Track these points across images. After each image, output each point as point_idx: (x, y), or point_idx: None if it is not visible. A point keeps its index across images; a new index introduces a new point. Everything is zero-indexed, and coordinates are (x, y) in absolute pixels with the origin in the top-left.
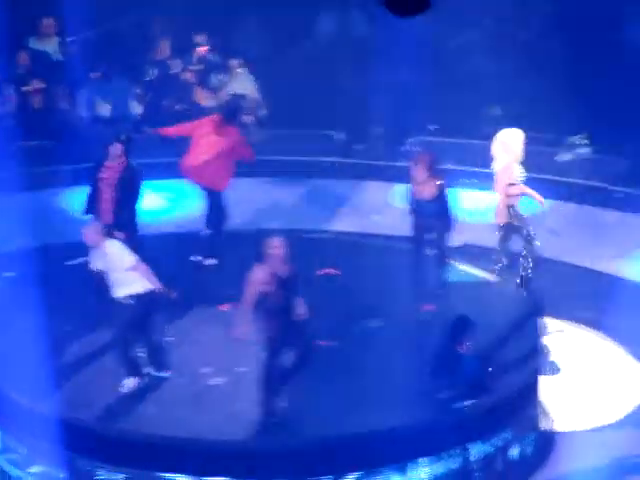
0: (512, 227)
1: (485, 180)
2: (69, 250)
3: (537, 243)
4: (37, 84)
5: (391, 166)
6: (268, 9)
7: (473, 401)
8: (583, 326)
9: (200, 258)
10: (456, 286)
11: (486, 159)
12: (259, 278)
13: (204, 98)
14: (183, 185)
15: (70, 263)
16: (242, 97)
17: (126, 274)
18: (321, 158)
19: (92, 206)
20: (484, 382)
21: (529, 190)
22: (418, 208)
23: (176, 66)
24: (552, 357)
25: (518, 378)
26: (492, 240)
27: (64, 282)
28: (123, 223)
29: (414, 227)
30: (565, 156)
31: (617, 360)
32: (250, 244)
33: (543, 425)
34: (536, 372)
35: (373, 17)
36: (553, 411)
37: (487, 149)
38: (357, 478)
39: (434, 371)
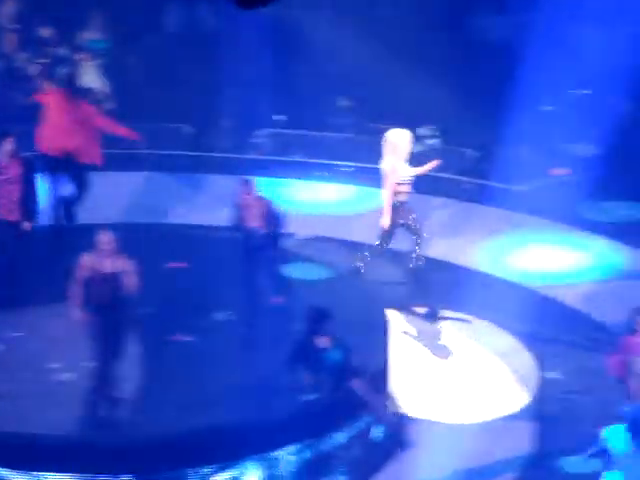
0: (399, 225)
1: (334, 173)
2: None
3: (425, 235)
4: None
5: (240, 159)
6: (116, 2)
7: (327, 392)
8: (434, 316)
9: None
10: (305, 278)
11: (335, 151)
12: (82, 266)
13: None
14: None
15: None
16: (90, 90)
17: None
18: (170, 152)
19: None
20: (340, 372)
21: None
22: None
23: (23, 59)
24: (405, 347)
25: (371, 367)
26: (342, 232)
27: None
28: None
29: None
30: (415, 147)
31: (467, 350)
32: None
33: (399, 413)
34: (388, 361)
35: (220, 10)
36: (407, 399)
37: (336, 141)
38: (212, 471)
39: (291, 362)
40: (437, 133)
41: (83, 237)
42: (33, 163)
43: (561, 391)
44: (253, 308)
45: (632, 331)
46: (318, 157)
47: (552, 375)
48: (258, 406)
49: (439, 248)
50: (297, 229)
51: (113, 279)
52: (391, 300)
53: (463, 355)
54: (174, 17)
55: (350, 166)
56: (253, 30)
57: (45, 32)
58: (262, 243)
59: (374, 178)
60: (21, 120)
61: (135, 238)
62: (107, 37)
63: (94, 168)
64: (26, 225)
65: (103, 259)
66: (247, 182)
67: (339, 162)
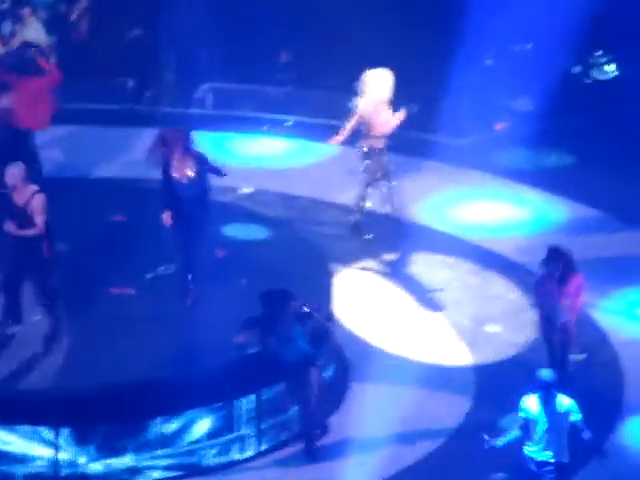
0: (377, 176)
1: (275, 126)
2: None
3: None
4: None
5: (184, 113)
6: None
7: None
8: (377, 271)
9: None
10: (247, 232)
11: (276, 105)
12: None
13: None
14: None
15: None
16: (33, 45)
17: None
18: (113, 106)
19: None
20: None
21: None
22: (175, 189)
23: None
24: (346, 302)
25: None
26: (282, 186)
27: None
28: None
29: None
30: (356, 101)
31: (407, 307)
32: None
33: (337, 372)
34: (330, 318)
35: None
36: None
37: (277, 95)
38: (154, 423)
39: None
40: None
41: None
42: None
43: (501, 345)
44: (192, 262)
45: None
46: (259, 111)
47: (493, 329)
48: (198, 358)
49: (377, 201)
50: (238, 183)
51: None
52: (333, 254)
53: (404, 309)
54: None
55: (290, 120)
56: None
57: None
58: (195, 196)
59: (314, 132)
60: None
61: (77, 192)
62: None
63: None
64: None
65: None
66: (179, 134)
67: (280, 116)
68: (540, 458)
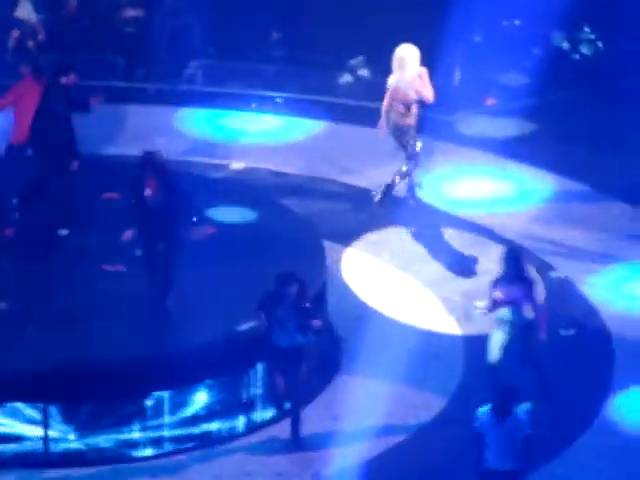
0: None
1: (265, 103)
2: None
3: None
4: None
5: (175, 90)
6: None
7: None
8: (370, 246)
9: None
10: (238, 208)
11: (266, 82)
12: None
13: None
14: None
15: None
16: (23, 22)
17: None
18: (104, 82)
19: None
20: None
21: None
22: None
23: None
24: (340, 279)
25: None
26: (273, 163)
27: None
28: None
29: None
30: (345, 78)
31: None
32: None
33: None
34: (323, 297)
35: None
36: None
37: (267, 72)
38: (142, 399)
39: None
40: (367, 64)
41: None
42: None
43: (488, 320)
44: (183, 239)
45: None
46: (249, 88)
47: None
48: (186, 335)
49: (371, 178)
50: (229, 159)
51: None
52: (327, 230)
53: (395, 282)
54: None
55: (280, 97)
56: None
57: None
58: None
59: (303, 108)
60: None
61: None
62: None
63: None
64: None
65: None
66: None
67: (270, 93)
68: (495, 467)
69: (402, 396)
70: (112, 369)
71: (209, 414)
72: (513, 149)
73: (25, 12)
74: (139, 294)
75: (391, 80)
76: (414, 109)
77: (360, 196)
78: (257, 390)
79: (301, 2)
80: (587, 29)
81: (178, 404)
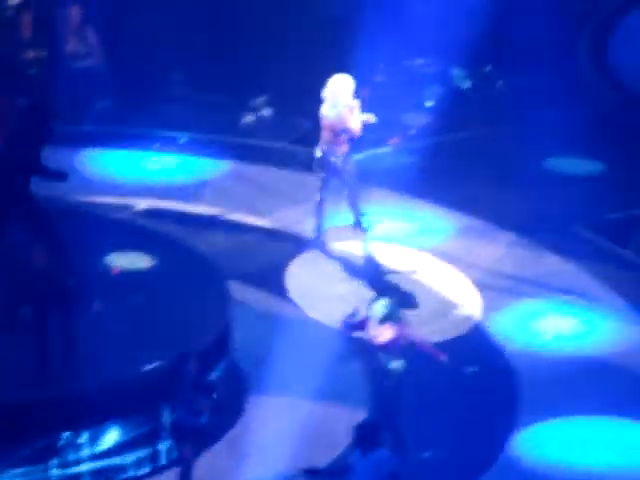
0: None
1: (169, 144)
2: None
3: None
4: None
5: (78, 130)
6: None
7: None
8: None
9: None
10: (142, 249)
11: (169, 122)
12: None
13: None
14: None
15: None
16: None
17: None
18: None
19: None
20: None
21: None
22: None
23: None
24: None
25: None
26: (177, 203)
27: None
28: None
29: None
30: (247, 118)
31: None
32: None
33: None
34: (226, 334)
35: None
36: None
37: (169, 112)
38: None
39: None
40: (269, 103)
41: None
42: None
43: None
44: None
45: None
46: (153, 128)
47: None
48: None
49: (278, 218)
50: (133, 199)
51: None
52: (232, 270)
53: (299, 321)
54: None
55: (184, 137)
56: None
57: None
58: None
59: (207, 148)
60: None
61: None
62: None
63: None
64: None
65: None
66: None
67: (174, 133)
68: None
69: (308, 431)
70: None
71: (110, 454)
72: (414, 187)
73: None
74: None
75: (323, 109)
76: (342, 139)
77: (267, 236)
78: (161, 432)
79: (202, 42)
80: (487, 67)
81: (77, 445)
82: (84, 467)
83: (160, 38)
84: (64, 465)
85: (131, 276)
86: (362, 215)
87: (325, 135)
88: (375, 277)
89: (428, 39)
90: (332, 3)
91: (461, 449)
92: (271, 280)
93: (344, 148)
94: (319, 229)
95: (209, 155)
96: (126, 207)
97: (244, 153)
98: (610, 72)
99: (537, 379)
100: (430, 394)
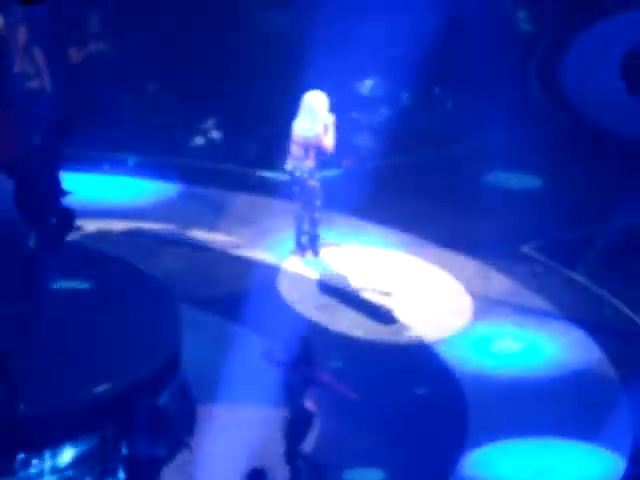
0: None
1: (120, 167)
2: None
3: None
4: None
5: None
6: None
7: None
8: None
9: None
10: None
11: (121, 145)
12: None
13: None
14: None
15: None
16: None
17: None
18: None
19: None
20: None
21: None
22: None
23: None
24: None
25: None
26: (125, 226)
27: None
28: None
29: None
30: (196, 141)
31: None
32: None
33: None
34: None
35: None
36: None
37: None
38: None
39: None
40: (218, 125)
41: None
42: None
43: None
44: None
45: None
46: (101, 151)
47: None
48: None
49: (225, 241)
50: (81, 222)
51: None
52: (183, 293)
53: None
54: None
55: (133, 159)
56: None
57: None
58: None
59: (156, 171)
60: None
61: None
62: None
63: None
64: None
65: None
66: None
67: (122, 155)
68: None
69: (257, 450)
70: None
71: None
72: (366, 211)
73: None
74: None
75: (296, 125)
76: (311, 154)
77: (217, 258)
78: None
79: (151, 63)
80: (437, 88)
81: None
82: None
83: (109, 60)
84: None
85: (80, 299)
86: (316, 237)
87: (295, 150)
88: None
89: (377, 60)
90: (282, 24)
91: (411, 470)
92: (223, 302)
93: (310, 163)
94: (298, 244)
95: (158, 177)
96: (75, 229)
97: (194, 175)
98: (558, 91)
99: (487, 400)
100: (381, 415)
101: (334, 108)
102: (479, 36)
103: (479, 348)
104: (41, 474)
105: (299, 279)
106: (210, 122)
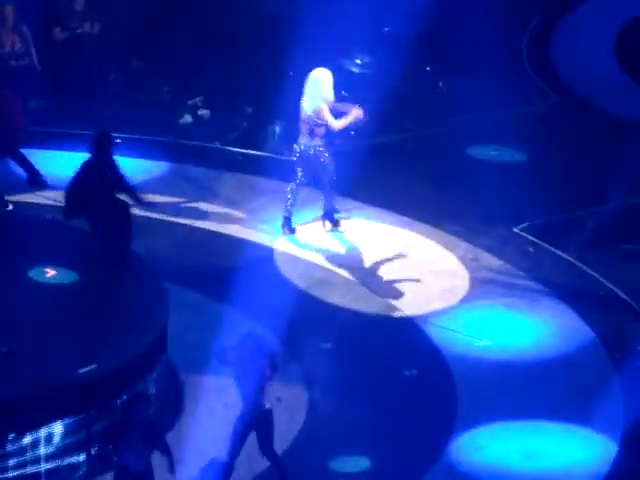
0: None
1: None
2: None
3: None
4: None
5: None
6: None
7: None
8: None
9: None
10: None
11: (109, 122)
12: None
13: None
14: None
15: None
16: None
17: None
18: None
19: None
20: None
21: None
22: None
23: None
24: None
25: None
26: None
27: None
28: None
29: None
30: (186, 119)
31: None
32: None
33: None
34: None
35: None
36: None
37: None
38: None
39: None
40: (207, 104)
41: None
42: None
43: None
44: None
45: None
46: (88, 128)
47: None
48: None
49: (213, 220)
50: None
51: None
52: (170, 272)
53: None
54: None
55: (120, 137)
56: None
57: None
58: None
59: (144, 149)
60: None
61: None
62: None
63: None
64: None
65: None
66: None
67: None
68: None
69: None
70: None
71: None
72: (354, 188)
73: None
74: None
75: (302, 102)
76: (318, 132)
77: (204, 238)
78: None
79: (140, 41)
80: (428, 68)
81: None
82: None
83: (97, 37)
84: None
85: (65, 279)
86: (335, 211)
87: (302, 127)
88: None
89: (367, 39)
90: (271, 3)
91: (400, 453)
92: (209, 281)
93: (317, 141)
94: (288, 220)
95: (146, 156)
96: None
97: (182, 153)
98: (550, 72)
99: (476, 382)
100: (369, 397)
101: None
102: (470, 13)
103: (469, 329)
104: (24, 454)
105: (289, 258)
106: (198, 100)
